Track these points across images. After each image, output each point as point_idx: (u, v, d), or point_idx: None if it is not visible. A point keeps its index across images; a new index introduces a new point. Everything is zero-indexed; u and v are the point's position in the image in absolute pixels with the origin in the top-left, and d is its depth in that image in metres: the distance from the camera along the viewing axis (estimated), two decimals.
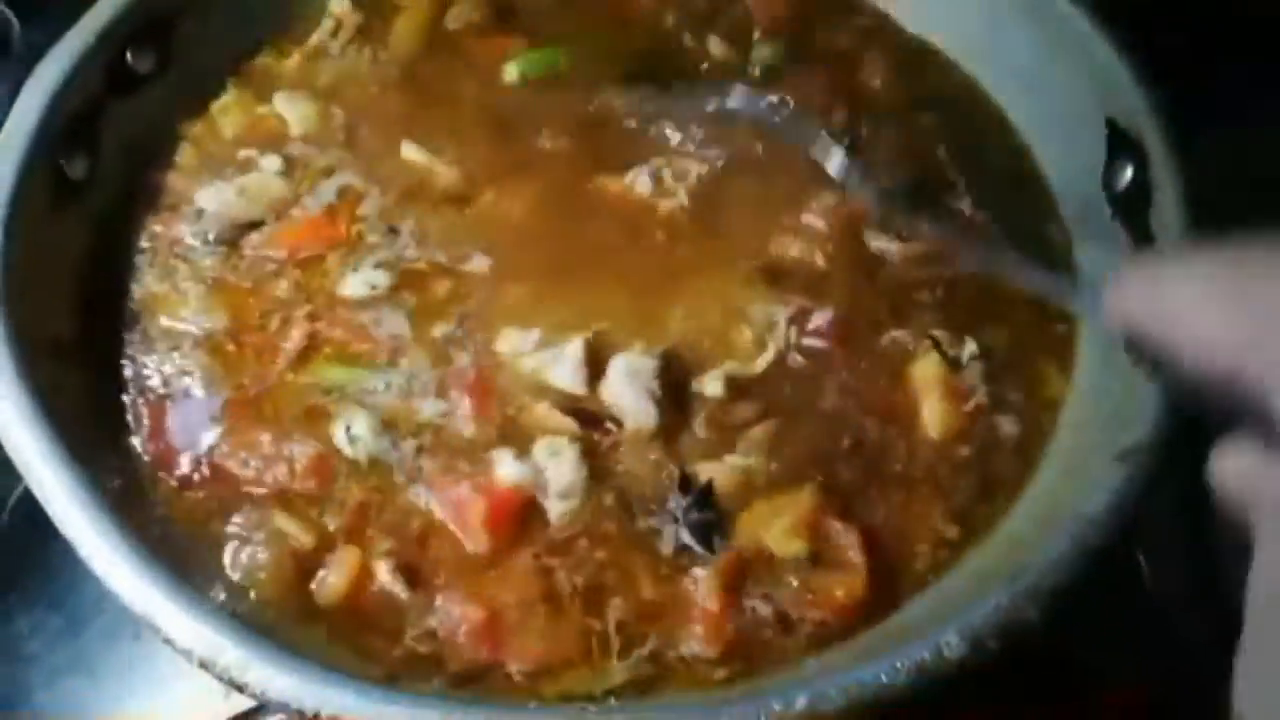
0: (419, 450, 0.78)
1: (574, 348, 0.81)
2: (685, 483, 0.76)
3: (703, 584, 0.72)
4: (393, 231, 0.89)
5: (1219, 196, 0.82)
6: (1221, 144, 0.93)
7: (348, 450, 0.77)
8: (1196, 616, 0.83)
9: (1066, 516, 0.67)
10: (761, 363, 0.82)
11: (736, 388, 0.80)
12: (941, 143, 0.95)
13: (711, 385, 0.80)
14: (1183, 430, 0.71)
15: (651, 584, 0.73)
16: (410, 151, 0.93)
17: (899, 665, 0.60)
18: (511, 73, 0.99)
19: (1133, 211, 0.83)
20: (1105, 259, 0.85)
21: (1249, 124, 1.03)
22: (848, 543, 0.74)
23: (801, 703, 0.59)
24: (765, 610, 0.72)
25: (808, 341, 0.82)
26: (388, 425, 0.79)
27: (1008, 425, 0.81)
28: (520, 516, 0.74)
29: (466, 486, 0.75)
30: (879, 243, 0.88)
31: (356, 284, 0.86)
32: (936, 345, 0.82)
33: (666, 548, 0.74)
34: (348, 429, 0.78)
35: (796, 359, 0.82)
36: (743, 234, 0.88)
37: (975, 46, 1.00)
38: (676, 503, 0.75)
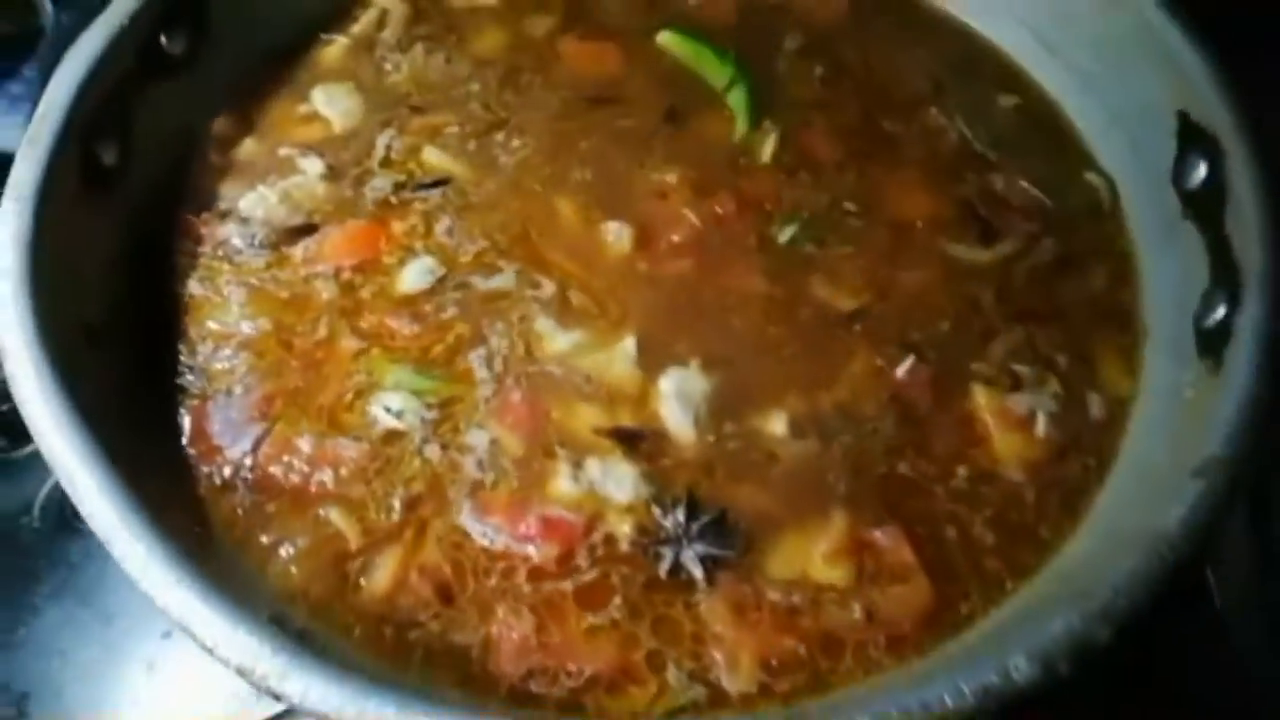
0: (477, 464, 0.76)
1: (628, 345, 0.80)
2: (692, 505, 0.73)
3: (706, 611, 0.70)
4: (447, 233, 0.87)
5: None
6: None
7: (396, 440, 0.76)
8: (1262, 629, 0.81)
9: (1140, 532, 0.64)
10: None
11: (800, 429, 0.77)
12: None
13: (776, 423, 0.77)
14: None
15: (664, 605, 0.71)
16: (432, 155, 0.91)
17: (964, 688, 0.57)
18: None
19: (1206, 211, 0.79)
20: (1175, 262, 0.81)
21: None
22: (894, 545, 0.72)
23: None
24: (818, 633, 0.70)
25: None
26: (439, 430, 0.77)
27: (1076, 431, 0.78)
28: (578, 535, 0.73)
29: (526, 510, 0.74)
30: (958, 251, 0.86)
31: (412, 278, 0.83)
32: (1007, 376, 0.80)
33: (662, 569, 0.71)
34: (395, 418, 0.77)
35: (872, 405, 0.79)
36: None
37: (1038, 40, 0.97)
38: (675, 523, 0.72)
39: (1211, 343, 0.74)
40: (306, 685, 0.57)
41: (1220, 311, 0.75)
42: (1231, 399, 0.68)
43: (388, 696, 0.58)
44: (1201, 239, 0.80)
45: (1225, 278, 0.76)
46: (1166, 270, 0.83)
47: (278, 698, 0.58)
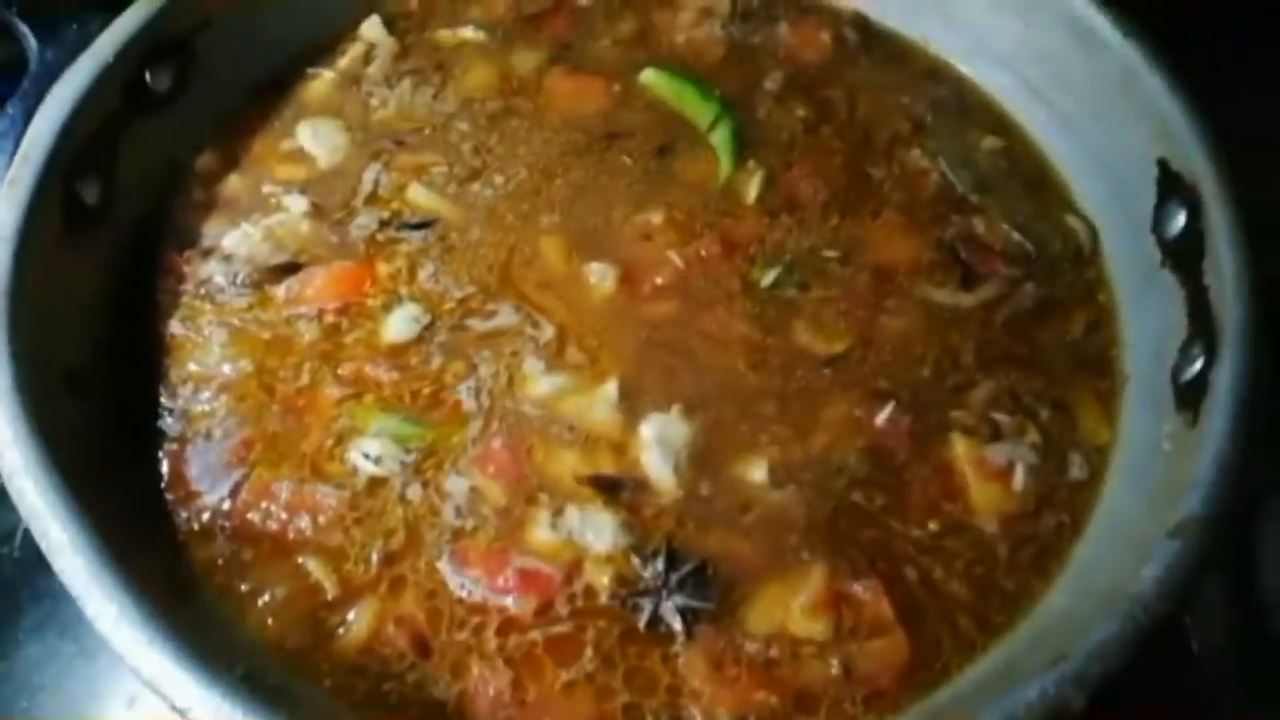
0: (455, 511, 0.76)
1: (610, 389, 0.80)
2: (671, 555, 0.73)
3: (684, 665, 0.70)
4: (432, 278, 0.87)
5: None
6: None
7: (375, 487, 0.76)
8: (1239, 674, 0.81)
9: (1115, 593, 0.64)
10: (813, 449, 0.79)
11: (779, 477, 0.77)
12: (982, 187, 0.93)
13: (756, 471, 0.77)
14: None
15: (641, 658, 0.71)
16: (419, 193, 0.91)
17: None
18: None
19: (1185, 261, 0.80)
20: (1154, 310, 0.82)
21: None
22: (873, 598, 0.72)
23: None
24: (795, 688, 0.70)
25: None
26: (420, 477, 0.77)
27: (1053, 483, 0.78)
28: (556, 587, 0.73)
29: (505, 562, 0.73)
30: (939, 295, 0.86)
31: (397, 326, 0.83)
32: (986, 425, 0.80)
33: (641, 621, 0.71)
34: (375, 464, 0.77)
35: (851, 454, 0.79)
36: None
37: (1022, 83, 0.97)
38: (654, 573, 0.72)
39: (1189, 396, 0.74)
40: None
41: (1198, 364, 0.75)
42: (1207, 458, 0.68)
43: None
44: (1181, 289, 0.80)
45: (1203, 329, 0.76)
46: (1146, 319, 0.83)
47: None
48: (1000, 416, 0.80)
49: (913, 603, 0.73)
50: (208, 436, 0.78)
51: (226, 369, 0.82)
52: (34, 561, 0.89)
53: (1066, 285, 0.88)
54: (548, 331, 0.83)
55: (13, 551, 0.90)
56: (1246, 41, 1.01)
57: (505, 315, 0.85)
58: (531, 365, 0.82)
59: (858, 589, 0.73)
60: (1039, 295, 0.87)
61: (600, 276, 0.86)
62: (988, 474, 0.78)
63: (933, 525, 0.76)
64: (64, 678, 0.85)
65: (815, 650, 0.71)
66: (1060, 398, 0.82)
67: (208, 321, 0.84)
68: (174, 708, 0.59)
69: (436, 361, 0.82)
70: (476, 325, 0.84)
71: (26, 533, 0.89)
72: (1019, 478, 0.78)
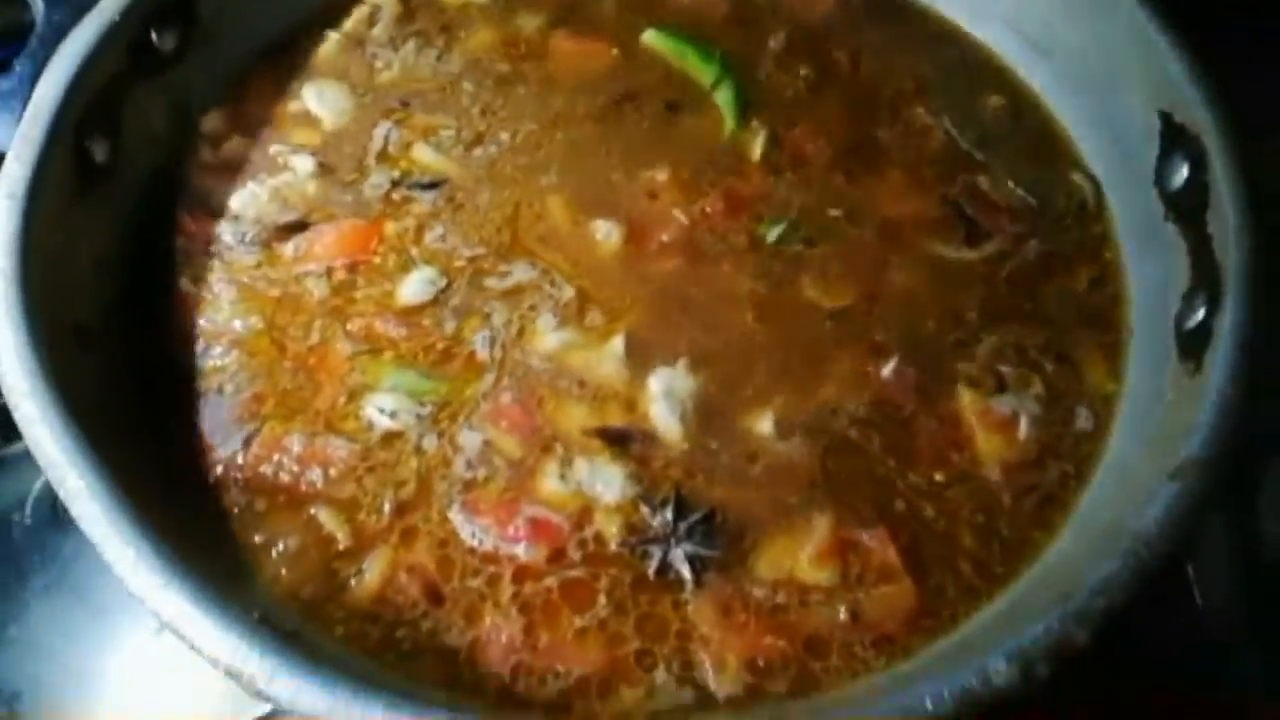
0: (467, 463, 0.76)
1: (617, 344, 0.81)
2: (680, 505, 0.74)
3: (694, 612, 0.71)
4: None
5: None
6: None
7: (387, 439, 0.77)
8: (1242, 619, 0.82)
9: (1117, 533, 0.65)
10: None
11: (785, 429, 0.78)
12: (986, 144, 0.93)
13: (762, 423, 0.78)
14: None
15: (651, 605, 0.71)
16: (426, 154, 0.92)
17: (945, 692, 0.58)
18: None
19: (1189, 212, 0.80)
20: (1158, 263, 0.82)
21: None
22: (880, 546, 0.73)
23: None
24: (804, 634, 0.71)
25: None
26: (435, 429, 0.78)
27: (1058, 433, 0.79)
28: (566, 535, 0.73)
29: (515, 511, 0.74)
30: (944, 251, 0.87)
31: (413, 288, 0.84)
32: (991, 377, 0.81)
33: (650, 568, 0.72)
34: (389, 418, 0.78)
35: (857, 405, 0.79)
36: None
37: (1025, 40, 0.98)
38: (663, 522, 0.73)
39: (1192, 345, 0.75)
40: (295, 688, 0.58)
41: (1200, 313, 0.76)
42: (1208, 402, 0.68)
43: (375, 698, 0.58)
44: (1184, 240, 0.80)
45: (1206, 279, 0.77)
46: (1150, 271, 0.84)
47: (267, 699, 0.59)
48: (1005, 369, 0.81)
49: (919, 551, 0.74)
50: (220, 391, 0.79)
51: (237, 325, 0.82)
52: (44, 525, 0.90)
53: (1071, 241, 0.89)
54: (559, 288, 0.84)
55: (24, 518, 0.91)
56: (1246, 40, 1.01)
57: (520, 273, 0.85)
58: (544, 321, 0.82)
59: (864, 537, 0.74)
60: (1043, 250, 0.87)
61: (606, 234, 0.87)
62: (993, 425, 0.79)
63: (938, 475, 0.77)
64: (73, 641, 0.86)
65: (823, 597, 0.72)
66: (1065, 351, 0.82)
67: (217, 279, 0.85)
68: (193, 648, 0.60)
69: (450, 318, 0.83)
70: (491, 284, 0.85)
71: (37, 500, 0.91)
72: (1023, 428, 0.79)
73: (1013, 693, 0.58)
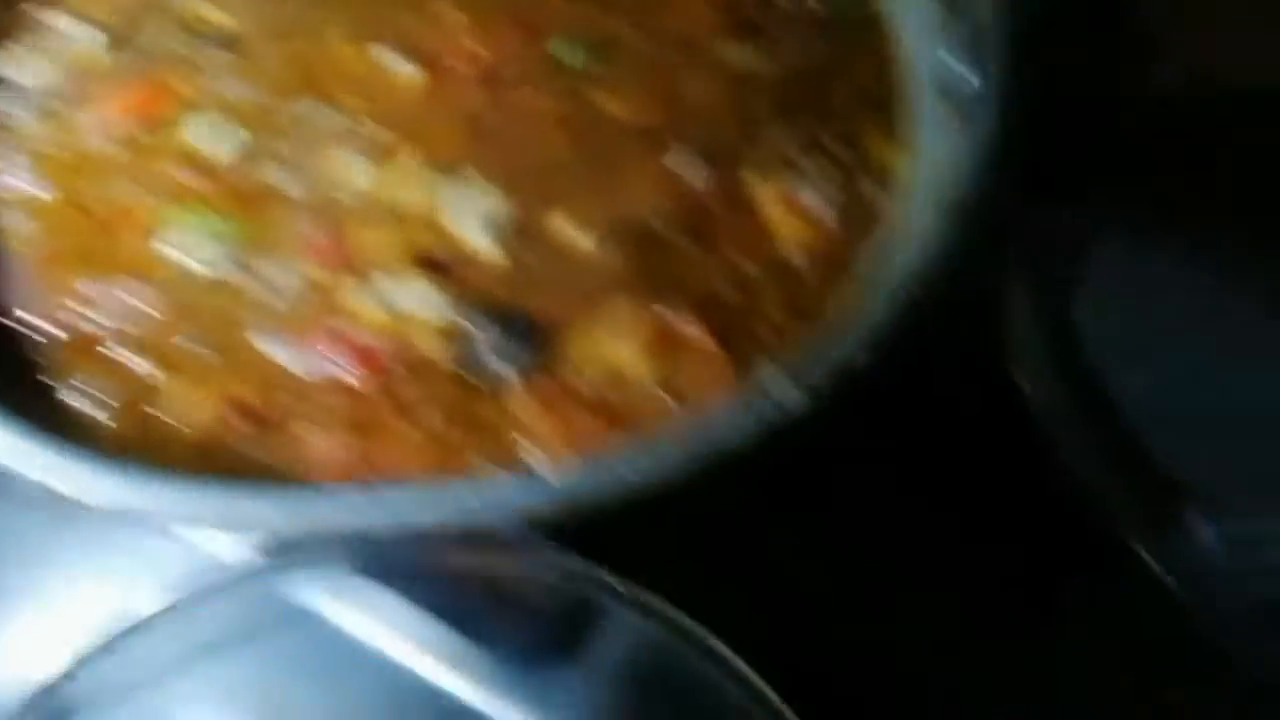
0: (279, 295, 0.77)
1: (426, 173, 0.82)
2: (500, 316, 0.76)
3: (521, 410, 0.73)
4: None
5: None
6: None
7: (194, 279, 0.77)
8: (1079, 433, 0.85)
9: (891, 276, 0.69)
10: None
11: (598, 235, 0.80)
12: None
13: (576, 234, 0.80)
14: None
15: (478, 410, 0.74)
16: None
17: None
18: None
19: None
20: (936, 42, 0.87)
21: None
22: (695, 333, 0.76)
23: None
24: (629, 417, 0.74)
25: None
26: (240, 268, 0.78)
27: (854, 212, 0.83)
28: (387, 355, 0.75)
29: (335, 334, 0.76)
30: (738, 57, 0.89)
31: (210, 140, 0.83)
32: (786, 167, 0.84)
33: (474, 376, 0.75)
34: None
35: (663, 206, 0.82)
36: None
37: None
38: (486, 334, 0.76)
39: (967, 111, 0.80)
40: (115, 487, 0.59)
41: (975, 81, 0.81)
42: (976, 149, 0.74)
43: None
44: (960, 26, 0.85)
45: (977, 55, 0.82)
46: (928, 49, 0.88)
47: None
48: (801, 160, 0.85)
49: (732, 333, 0.77)
50: (18, 254, 0.78)
51: (36, 192, 0.81)
52: None
53: (857, 40, 0.92)
54: (361, 124, 0.84)
55: None
56: None
57: (323, 117, 0.85)
58: (351, 159, 0.83)
59: (679, 324, 0.77)
60: (829, 50, 0.91)
61: (405, 72, 0.87)
62: (793, 211, 0.83)
63: (747, 265, 0.81)
64: None
65: (643, 381, 0.75)
66: (853, 137, 0.86)
67: (6, 148, 0.83)
68: (29, 481, 0.60)
69: (252, 166, 0.83)
70: (292, 129, 0.84)
71: None
72: (821, 211, 0.83)
73: (801, 411, 0.62)
